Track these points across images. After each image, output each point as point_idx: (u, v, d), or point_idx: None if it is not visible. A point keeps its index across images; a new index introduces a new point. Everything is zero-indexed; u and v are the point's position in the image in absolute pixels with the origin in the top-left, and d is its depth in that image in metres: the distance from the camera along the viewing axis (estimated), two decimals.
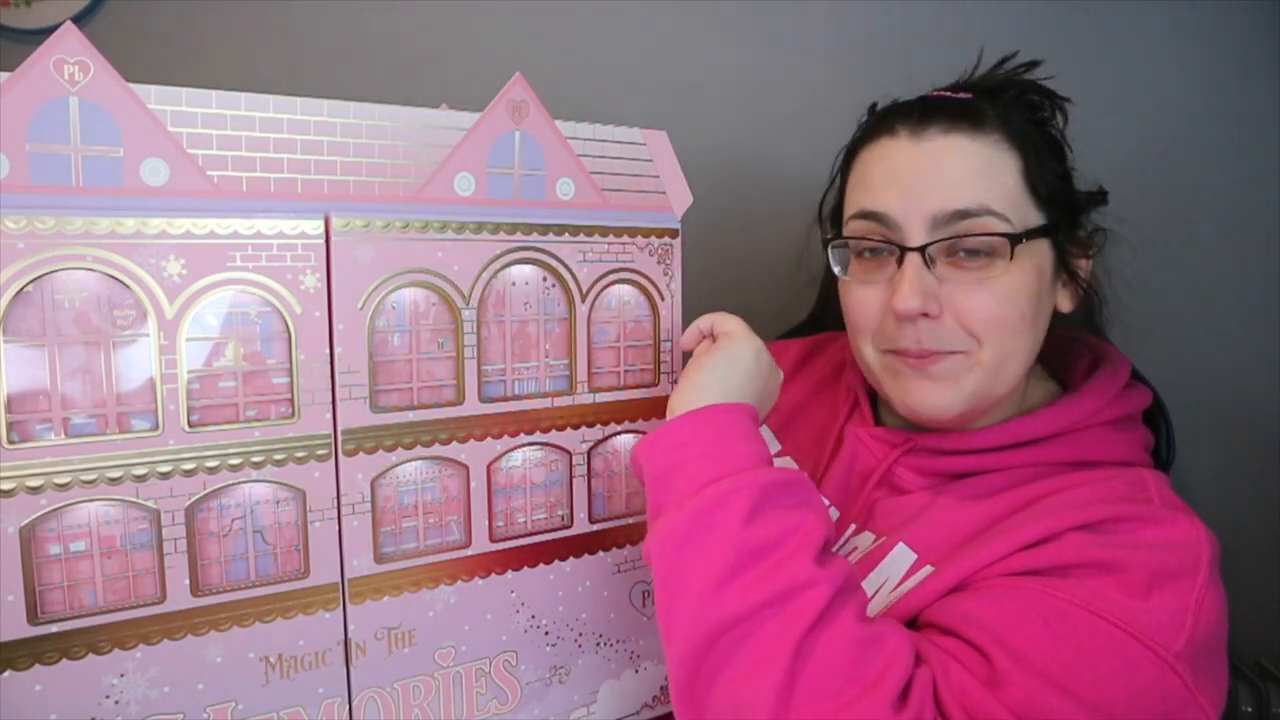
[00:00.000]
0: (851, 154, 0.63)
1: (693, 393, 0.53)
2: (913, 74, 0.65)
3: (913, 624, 0.53)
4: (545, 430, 0.56)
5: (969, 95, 0.59)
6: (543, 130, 0.55)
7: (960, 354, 0.56)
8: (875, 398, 0.68)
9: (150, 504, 0.44)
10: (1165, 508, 0.53)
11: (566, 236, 0.56)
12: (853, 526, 0.62)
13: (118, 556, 0.44)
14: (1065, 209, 0.58)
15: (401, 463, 0.51)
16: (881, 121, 0.60)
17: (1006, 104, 0.58)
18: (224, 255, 0.45)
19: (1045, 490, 0.55)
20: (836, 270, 0.61)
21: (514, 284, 0.54)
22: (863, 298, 0.59)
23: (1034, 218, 0.56)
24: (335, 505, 0.49)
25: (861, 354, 0.61)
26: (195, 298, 0.44)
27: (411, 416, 0.51)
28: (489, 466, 0.54)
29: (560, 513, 0.58)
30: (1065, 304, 0.60)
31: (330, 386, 0.48)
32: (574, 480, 0.58)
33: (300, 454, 0.47)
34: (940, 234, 0.54)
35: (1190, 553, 0.49)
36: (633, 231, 0.59)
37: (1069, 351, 0.63)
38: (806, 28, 1.01)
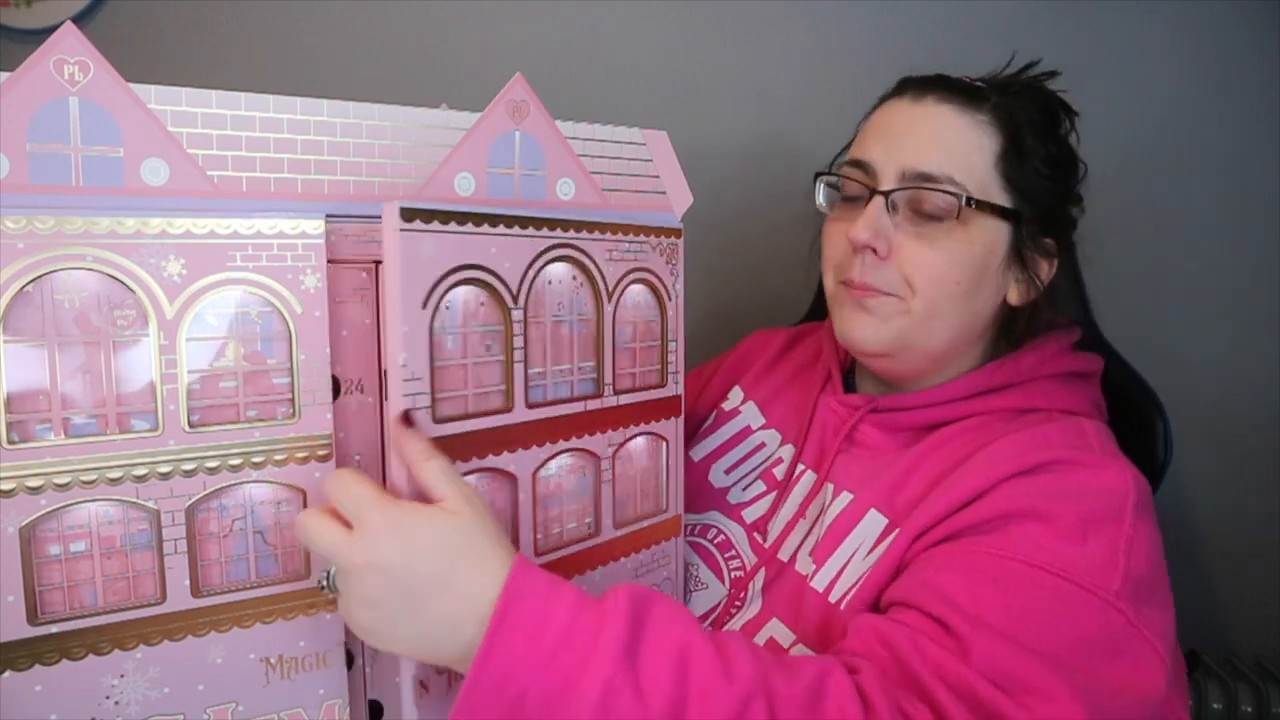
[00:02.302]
0: (866, 119, 0.68)
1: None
2: (912, 73, 0.65)
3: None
4: (579, 435, 0.56)
5: (982, 84, 0.63)
6: (543, 130, 0.55)
7: (894, 297, 0.61)
8: (846, 372, 0.74)
9: (150, 504, 0.44)
10: (1098, 453, 0.57)
11: (597, 234, 0.55)
12: (828, 486, 0.65)
13: (118, 557, 0.43)
14: (1038, 208, 0.62)
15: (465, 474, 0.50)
16: (895, 87, 0.66)
17: (1013, 98, 0.62)
18: (224, 255, 0.44)
19: (991, 436, 0.59)
20: (820, 204, 0.67)
21: (549, 283, 0.53)
22: (832, 232, 0.66)
23: (997, 199, 0.60)
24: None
25: (826, 287, 0.67)
26: (195, 298, 0.44)
27: (470, 426, 0.49)
28: (533, 475, 0.53)
29: (587, 520, 0.58)
30: (1014, 297, 0.63)
31: (330, 387, 0.48)
32: (601, 486, 0.58)
33: (301, 454, 0.47)
34: (903, 185, 0.60)
35: (1116, 495, 0.53)
36: (641, 230, 0.59)
37: (1030, 332, 0.66)
38: (806, 28, 1.01)
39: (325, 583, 0.44)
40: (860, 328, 0.62)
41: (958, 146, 0.60)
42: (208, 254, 0.44)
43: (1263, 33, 0.92)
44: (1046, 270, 0.64)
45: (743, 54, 1.02)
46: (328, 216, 0.48)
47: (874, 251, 0.60)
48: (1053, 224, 0.63)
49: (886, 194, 0.60)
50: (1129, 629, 0.48)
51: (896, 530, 0.57)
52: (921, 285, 0.60)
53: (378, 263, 0.50)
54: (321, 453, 0.48)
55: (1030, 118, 0.61)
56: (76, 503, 0.42)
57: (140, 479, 0.43)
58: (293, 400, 0.47)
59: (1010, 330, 0.65)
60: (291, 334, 0.46)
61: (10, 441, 0.40)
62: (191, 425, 0.44)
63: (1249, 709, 0.90)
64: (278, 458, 0.47)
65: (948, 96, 0.61)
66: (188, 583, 0.45)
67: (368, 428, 0.51)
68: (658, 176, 0.61)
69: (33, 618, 0.41)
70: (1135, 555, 0.50)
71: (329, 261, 0.48)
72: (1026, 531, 0.51)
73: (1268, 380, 0.97)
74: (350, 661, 0.50)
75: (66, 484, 0.42)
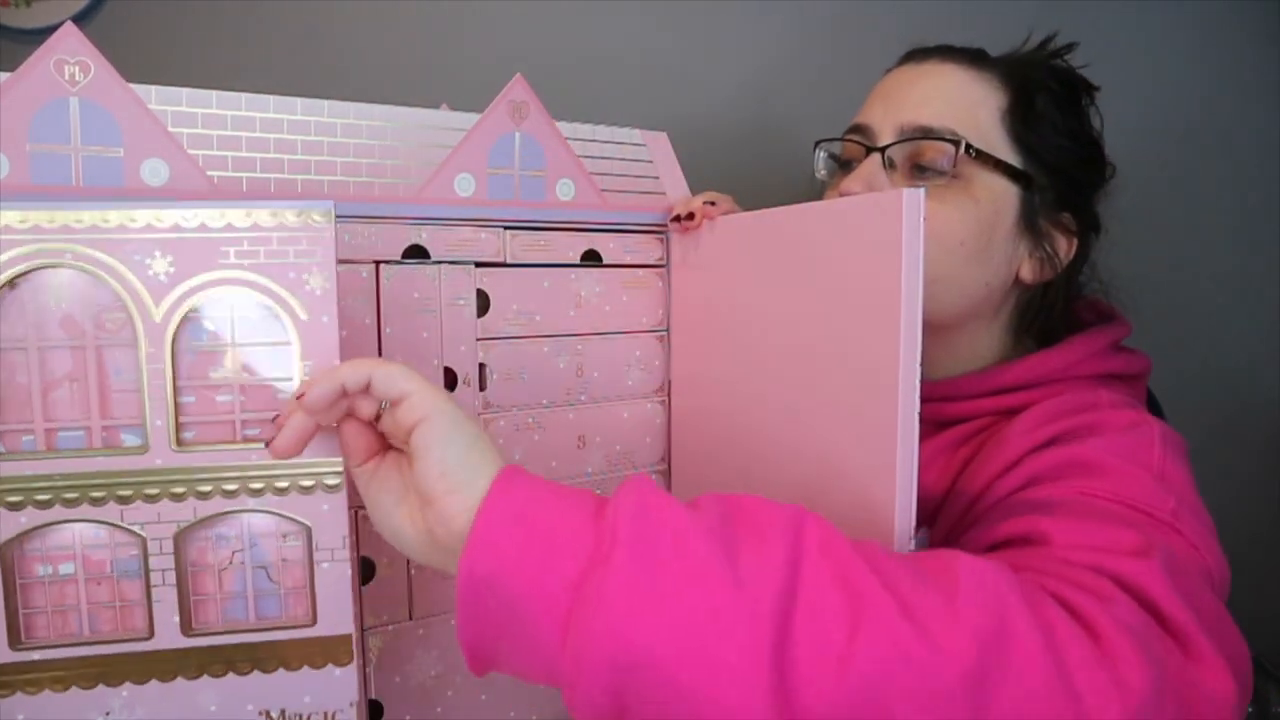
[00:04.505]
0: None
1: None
2: None
3: None
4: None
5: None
6: (543, 130, 0.55)
7: None
8: None
9: (136, 529, 0.39)
10: (1111, 408, 0.54)
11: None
12: None
13: (106, 583, 0.40)
14: (1054, 176, 0.58)
15: None
16: (900, 58, 0.64)
17: (1026, 65, 0.59)
18: (216, 251, 0.39)
19: (1007, 423, 0.56)
20: (820, 173, 0.66)
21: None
22: (829, 197, 0.64)
23: (1003, 156, 0.57)
24: (346, 544, 0.42)
25: None
26: (184, 299, 0.39)
27: None
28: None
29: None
30: (1028, 273, 0.60)
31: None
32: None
33: (306, 483, 0.41)
34: (900, 138, 0.57)
35: (1139, 429, 0.51)
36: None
37: (1053, 318, 0.63)
38: (807, 28, 1.01)
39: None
40: None
41: (959, 99, 0.57)
42: (198, 250, 0.39)
43: (1267, 28, 0.92)
44: (1065, 249, 0.60)
45: (742, 54, 1.02)
46: None
47: None
48: (1072, 197, 0.59)
49: (883, 150, 0.57)
50: (1190, 553, 0.45)
51: (922, 530, 0.56)
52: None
53: (378, 262, 0.50)
54: (330, 482, 0.41)
55: (1044, 84, 0.59)
56: (59, 522, 0.39)
57: (124, 500, 0.39)
58: None
59: (1026, 314, 0.61)
60: (295, 343, 0.41)
61: None
62: (181, 443, 0.40)
63: (1249, 709, 0.90)
64: (279, 485, 0.41)
65: (952, 56, 0.60)
66: (177, 619, 0.40)
67: None
68: (658, 177, 0.61)
69: (14, 641, 0.39)
70: (1173, 483, 0.48)
71: None
72: (1067, 478, 0.48)
73: (1267, 379, 0.97)
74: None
75: (48, 501, 0.38)
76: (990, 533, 0.47)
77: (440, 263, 0.52)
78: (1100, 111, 0.61)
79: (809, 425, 0.48)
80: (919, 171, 0.57)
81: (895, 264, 0.41)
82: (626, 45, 1.03)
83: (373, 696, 0.52)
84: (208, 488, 0.40)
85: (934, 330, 0.59)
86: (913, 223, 0.40)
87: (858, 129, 0.61)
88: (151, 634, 0.40)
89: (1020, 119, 0.57)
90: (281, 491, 0.41)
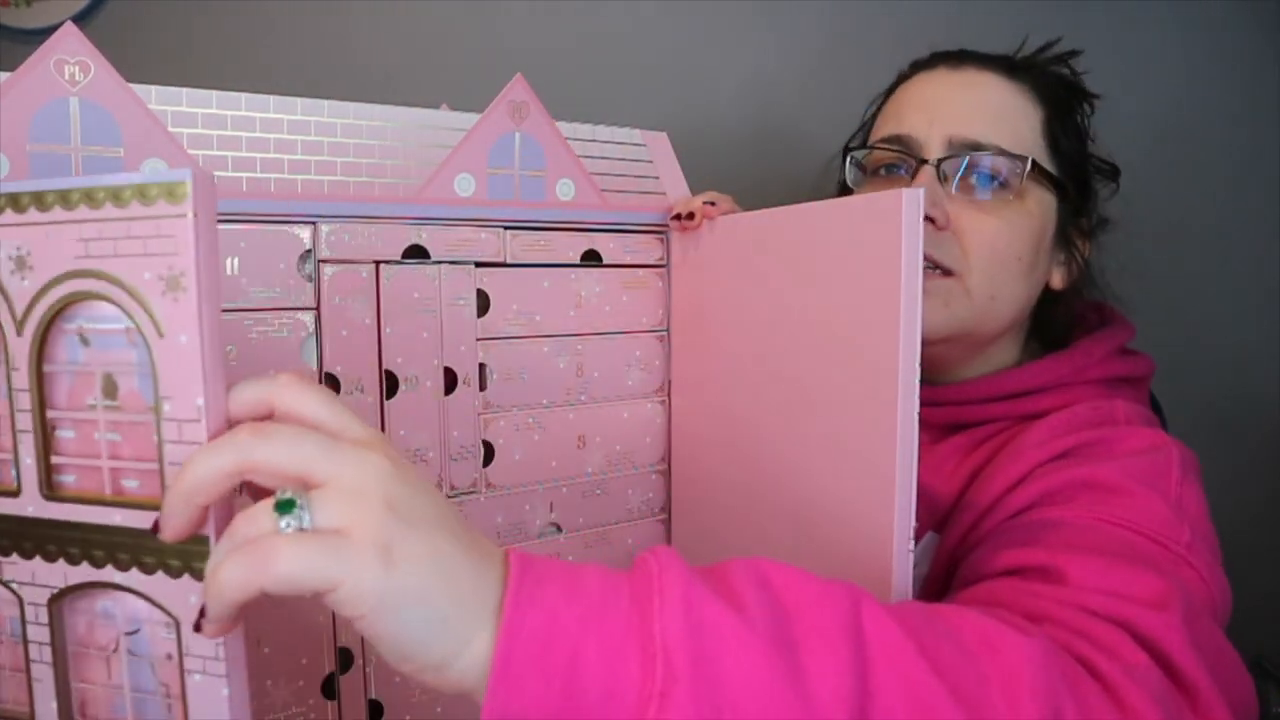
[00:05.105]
0: (888, 94, 0.65)
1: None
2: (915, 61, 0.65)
3: (941, 591, 0.53)
4: None
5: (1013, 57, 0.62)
6: (543, 131, 0.55)
7: (951, 278, 0.57)
8: None
9: (14, 586, 0.32)
10: (1128, 425, 0.54)
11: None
12: None
13: (8, 644, 0.33)
14: (1077, 184, 0.60)
15: None
16: (924, 61, 0.64)
17: (1045, 72, 0.61)
18: (71, 242, 0.30)
19: (1020, 430, 0.56)
20: (850, 181, 0.64)
21: None
22: None
23: (1049, 169, 0.58)
24: (223, 656, 0.30)
25: None
26: (39, 303, 0.31)
27: None
28: None
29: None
30: (1058, 280, 0.61)
31: None
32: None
33: (173, 560, 0.30)
34: (955, 152, 0.57)
35: (1158, 452, 0.50)
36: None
37: (1070, 323, 0.63)
38: (807, 27, 1.01)
39: (292, 509, 0.28)
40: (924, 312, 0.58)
41: (1006, 114, 0.57)
42: (53, 241, 0.30)
43: (1264, 27, 0.92)
44: (1083, 252, 0.62)
45: (742, 54, 1.02)
46: (328, 217, 0.47)
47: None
48: (1087, 202, 0.61)
49: (938, 163, 0.56)
50: (1200, 586, 0.44)
51: (930, 535, 0.55)
52: (981, 259, 0.56)
53: (378, 262, 0.50)
54: (198, 566, 0.30)
55: (1067, 93, 0.60)
56: None
57: (2, 550, 0.32)
58: (161, 472, 0.30)
59: (1050, 320, 0.62)
60: (154, 369, 0.30)
61: None
62: (53, 489, 0.32)
63: None
64: (145, 560, 0.31)
65: (987, 65, 0.59)
66: (54, 705, 0.32)
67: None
68: (658, 177, 0.61)
69: None
70: (1189, 512, 0.47)
71: (326, 261, 0.47)
72: (1080, 498, 0.48)
73: (1267, 379, 0.97)
74: (350, 662, 0.50)
75: None
76: (1002, 557, 0.46)
77: (440, 263, 0.52)
78: (1096, 113, 0.63)
79: (809, 425, 0.48)
80: (974, 187, 0.57)
81: (895, 264, 0.41)
82: (626, 45, 1.03)
83: (373, 696, 0.52)
84: (75, 550, 0.31)
85: (980, 344, 0.60)
86: (912, 222, 0.40)
87: (896, 139, 0.60)
88: (33, 718, 0.33)
89: (1056, 132, 0.59)
90: (148, 568, 0.31)
